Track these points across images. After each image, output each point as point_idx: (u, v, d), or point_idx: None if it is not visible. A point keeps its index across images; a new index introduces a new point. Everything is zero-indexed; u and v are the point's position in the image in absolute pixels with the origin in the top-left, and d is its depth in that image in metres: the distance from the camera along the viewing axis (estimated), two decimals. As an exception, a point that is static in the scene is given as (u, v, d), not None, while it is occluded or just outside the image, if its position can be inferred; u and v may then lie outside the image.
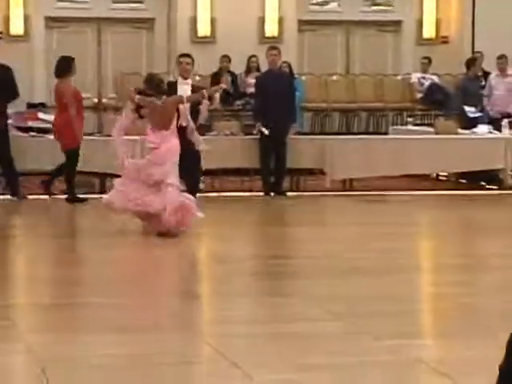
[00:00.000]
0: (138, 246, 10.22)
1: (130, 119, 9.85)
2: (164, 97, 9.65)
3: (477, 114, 13.13)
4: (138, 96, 9.60)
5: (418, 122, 15.18)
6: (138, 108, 9.64)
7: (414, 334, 5.88)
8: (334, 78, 16.26)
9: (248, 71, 15.33)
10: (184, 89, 10.38)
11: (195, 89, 10.34)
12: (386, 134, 14.20)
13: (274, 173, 12.10)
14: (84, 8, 16.57)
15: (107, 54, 16.10)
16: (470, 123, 13.03)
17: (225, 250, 9.42)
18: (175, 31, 16.77)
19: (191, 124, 10.03)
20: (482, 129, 12.64)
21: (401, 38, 17.40)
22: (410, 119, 15.31)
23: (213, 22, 16.90)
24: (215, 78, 14.72)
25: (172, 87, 10.43)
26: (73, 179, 11.67)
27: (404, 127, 14.43)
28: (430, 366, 5.08)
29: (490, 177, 12.74)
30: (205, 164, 11.80)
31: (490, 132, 12.69)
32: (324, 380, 5.03)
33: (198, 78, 10.60)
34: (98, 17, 16.49)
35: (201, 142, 10.23)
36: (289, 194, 12.07)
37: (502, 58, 14.41)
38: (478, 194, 12.76)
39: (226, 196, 12.91)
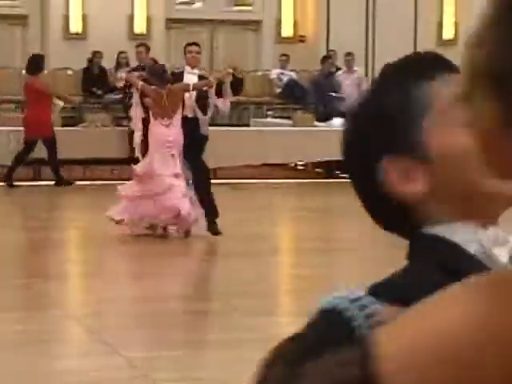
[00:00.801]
0: (19, 229, 10.44)
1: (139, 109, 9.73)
2: (169, 85, 9.38)
3: (330, 108, 14.08)
4: (141, 82, 9.51)
5: (277, 114, 15.91)
6: (141, 97, 9.62)
7: (274, 313, 6.55)
8: (200, 73, 16.62)
9: (118, 66, 15.61)
10: (190, 79, 9.78)
11: (203, 80, 9.91)
12: (247, 125, 14.88)
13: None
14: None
15: (-19, 49, 16.16)
16: (325, 116, 14.01)
17: (92, 232, 9.77)
18: (48, 28, 16.86)
19: (202, 117, 9.63)
20: (336, 121, 13.47)
21: (261, 37, 18.11)
22: (269, 112, 16.05)
23: (84, 18, 17.37)
24: (87, 73, 15.36)
25: (178, 77, 9.92)
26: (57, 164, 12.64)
27: (264, 120, 15.16)
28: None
29: (344, 166, 13.57)
30: (77, 154, 12.40)
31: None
32: (192, 356, 5.46)
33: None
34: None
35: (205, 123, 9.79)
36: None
37: (348, 55, 15.52)
38: (333, 182, 13.39)
39: (97, 184, 13.19)
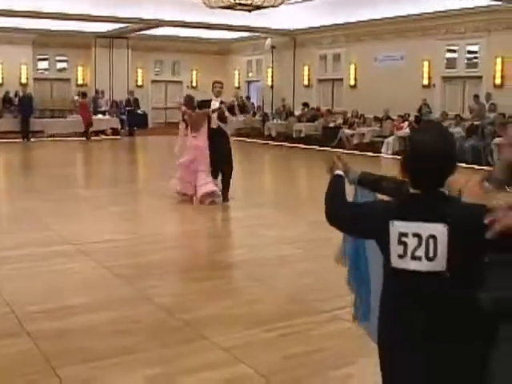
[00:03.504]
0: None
1: (183, 126, 11.83)
2: (197, 110, 11.52)
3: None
4: (183, 107, 11.69)
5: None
6: (183, 115, 11.78)
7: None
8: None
9: (15, 97, 27.18)
10: (214, 104, 11.64)
11: (222, 104, 11.74)
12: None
13: None
14: None
15: None
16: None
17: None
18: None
19: (222, 125, 11.76)
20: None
21: (70, 85, 31.01)
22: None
23: (2, 79, 28.47)
24: (4, 99, 26.95)
25: (207, 103, 11.77)
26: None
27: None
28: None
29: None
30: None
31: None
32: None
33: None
34: None
35: (228, 129, 12.04)
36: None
37: (97, 92, 28.96)
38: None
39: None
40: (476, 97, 22.22)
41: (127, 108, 29.31)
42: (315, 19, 26.70)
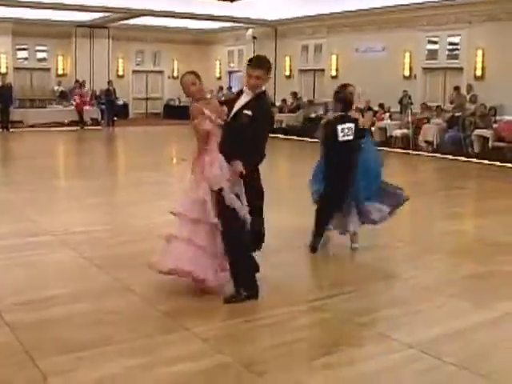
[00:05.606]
0: None
1: None
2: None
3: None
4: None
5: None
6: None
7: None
8: None
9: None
10: (241, 101, 6.66)
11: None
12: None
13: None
14: None
15: None
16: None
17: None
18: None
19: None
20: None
21: (49, 74, 31.05)
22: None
23: None
24: None
25: (235, 97, 6.75)
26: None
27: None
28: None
29: None
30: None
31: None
32: None
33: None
34: None
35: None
36: None
37: (77, 82, 28.24)
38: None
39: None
40: (457, 88, 22.34)
41: (104, 97, 29.04)
42: (297, 10, 26.91)
